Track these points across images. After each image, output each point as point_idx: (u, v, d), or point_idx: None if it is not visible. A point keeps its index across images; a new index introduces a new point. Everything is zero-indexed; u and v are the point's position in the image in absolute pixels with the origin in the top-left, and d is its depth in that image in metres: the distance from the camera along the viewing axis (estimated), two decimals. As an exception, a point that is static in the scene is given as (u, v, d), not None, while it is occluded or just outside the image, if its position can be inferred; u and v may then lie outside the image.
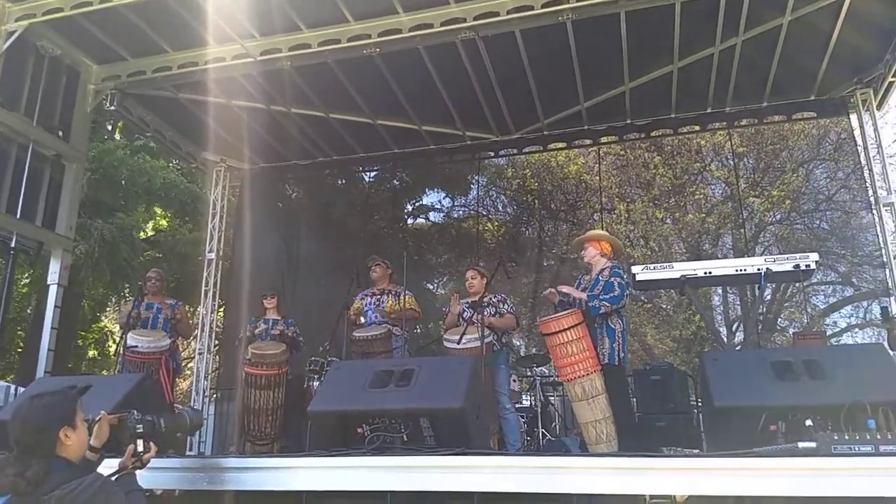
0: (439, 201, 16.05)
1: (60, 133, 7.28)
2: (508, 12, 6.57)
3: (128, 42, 7.34)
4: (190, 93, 8.10)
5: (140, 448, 2.57)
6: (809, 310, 14.71)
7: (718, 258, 14.39)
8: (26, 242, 6.90)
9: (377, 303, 6.45)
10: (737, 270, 4.78)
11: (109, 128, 13.16)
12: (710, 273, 4.83)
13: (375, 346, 5.98)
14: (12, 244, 6.69)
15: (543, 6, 6.46)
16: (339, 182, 13.15)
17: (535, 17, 6.58)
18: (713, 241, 15.09)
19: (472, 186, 15.00)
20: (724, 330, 15.59)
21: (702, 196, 14.67)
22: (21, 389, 7.46)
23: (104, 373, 14.74)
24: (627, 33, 6.99)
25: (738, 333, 16.12)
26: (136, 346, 5.83)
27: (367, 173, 13.28)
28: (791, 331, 14.41)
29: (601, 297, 4.86)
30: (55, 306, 6.98)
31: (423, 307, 6.93)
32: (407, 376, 3.79)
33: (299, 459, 3.68)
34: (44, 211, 7.08)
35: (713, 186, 15.01)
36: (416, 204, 15.70)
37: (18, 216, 6.75)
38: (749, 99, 8.33)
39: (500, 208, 16.50)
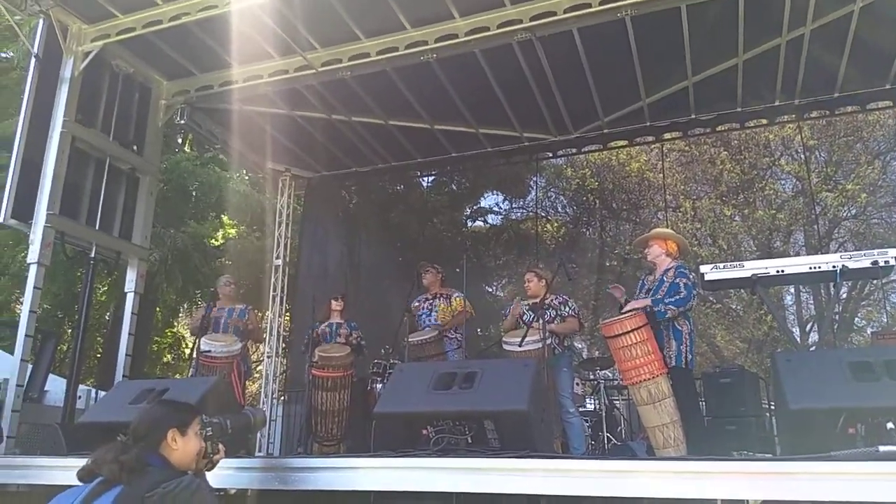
0: (497, 204, 16.05)
1: (135, 147, 7.61)
2: (565, 11, 6.49)
3: (196, 58, 7.62)
4: (255, 105, 8.36)
5: (209, 450, 2.66)
6: (889, 308, 13.97)
7: (790, 256, 13.86)
8: (105, 253, 7.24)
9: (430, 308, 6.56)
10: (810, 268, 4.57)
11: (179, 140, 13.73)
12: (782, 271, 4.64)
13: (427, 350, 6.05)
14: (92, 254, 7.04)
15: (601, 3, 6.37)
16: (398, 188, 13.31)
17: (592, 15, 6.50)
18: (784, 238, 14.54)
19: (530, 188, 14.93)
20: (797, 330, 14.99)
21: (772, 192, 14.15)
22: (101, 393, 7.85)
23: (177, 377, 15.36)
24: (689, 27, 6.82)
25: (811, 334, 15.50)
26: (209, 351, 6.04)
27: (426, 178, 13.42)
28: (869, 330, 13.75)
29: (666, 300, 4.74)
30: (132, 313, 7.29)
31: (480, 309, 6.96)
32: (470, 378, 3.81)
33: (367, 460, 3.74)
34: (120, 222, 7.39)
35: (783, 181, 14.48)
36: (475, 207, 15.73)
37: (97, 228, 7.08)
38: (819, 90, 8.00)
39: (560, 209, 16.37)
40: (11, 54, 11.03)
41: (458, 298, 6.40)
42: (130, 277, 7.47)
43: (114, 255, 7.36)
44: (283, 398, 9.38)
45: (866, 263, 4.51)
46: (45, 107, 6.74)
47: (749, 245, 14.80)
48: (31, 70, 6.86)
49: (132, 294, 7.41)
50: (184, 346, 16.73)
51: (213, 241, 13.57)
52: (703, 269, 4.84)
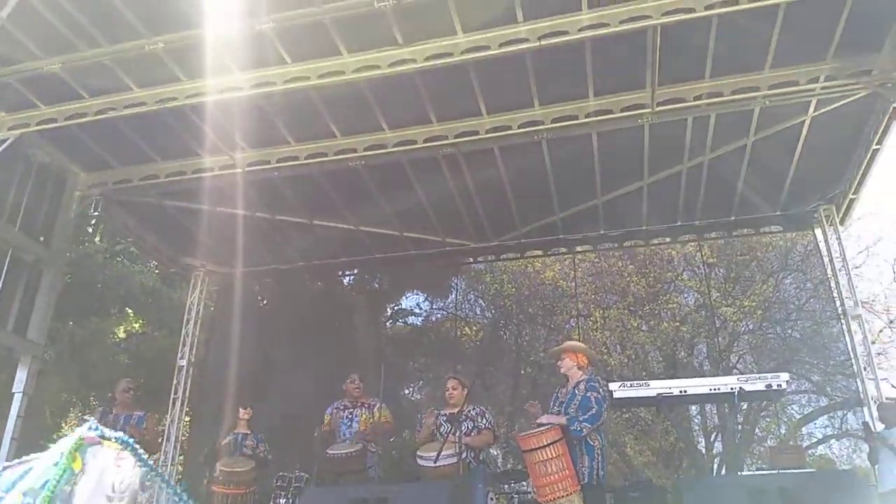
0: (418, 304, 16.14)
1: (42, 238, 7.32)
2: (487, 132, 6.92)
3: (117, 151, 7.53)
4: (175, 200, 8.24)
5: None
6: (785, 419, 14.66)
7: (694, 366, 14.46)
8: (-3, 350, 6.75)
9: (350, 417, 6.29)
10: (710, 389, 4.86)
11: (90, 230, 13.19)
12: (685, 392, 4.91)
13: (350, 465, 5.72)
14: (-20, 351, 6.54)
15: (520, 127, 6.84)
16: (318, 284, 13.18)
17: (511, 137, 6.95)
18: (688, 349, 15.18)
19: (451, 289, 15.12)
20: (702, 441, 15.40)
21: (675, 304, 14.90)
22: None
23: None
24: (599, 151, 7.36)
25: (716, 443, 15.96)
26: (101, 462, 5.58)
27: (347, 276, 13.38)
28: (769, 441, 14.30)
29: (580, 417, 4.82)
30: (17, 416, 6.73)
31: (397, 415, 6.80)
32: (382, 505, 3.67)
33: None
34: (16, 316, 6.96)
35: (686, 295, 15.31)
36: (396, 308, 15.75)
37: (-10, 322, 6.63)
38: (717, 212, 8.65)
39: (479, 312, 16.61)
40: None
41: (381, 409, 6.21)
42: (20, 377, 6.95)
43: (5, 352, 6.85)
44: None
45: (761, 387, 4.82)
46: (-51, 194, 6.44)
47: (655, 355, 15.36)
48: (-63, 155, 6.56)
49: (20, 394, 6.86)
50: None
51: (115, 336, 12.82)
52: (612, 386, 5.01)
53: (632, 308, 14.82)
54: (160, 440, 8.53)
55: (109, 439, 2.13)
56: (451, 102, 6.81)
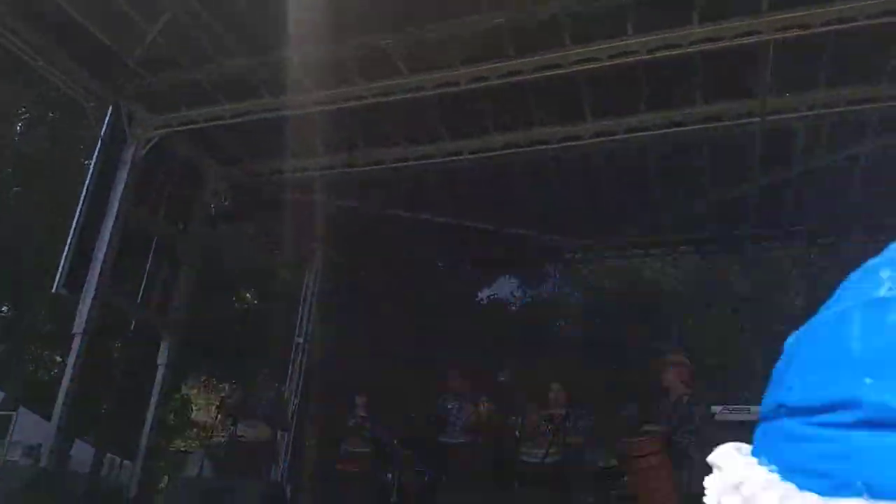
0: (511, 293, 16.24)
1: (181, 226, 8.05)
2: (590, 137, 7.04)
3: (249, 148, 8.15)
4: (297, 190, 8.83)
5: None
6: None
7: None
8: (141, 325, 7.55)
9: (458, 410, 6.61)
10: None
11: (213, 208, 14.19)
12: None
13: (460, 455, 6.27)
14: (131, 327, 7.35)
15: (626, 132, 6.91)
16: (417, 274, 13.61)
17: (615, 143, 7.04)
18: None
19: (546, 279, 15.10)
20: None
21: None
22: (126, 462, 7.94)
23: (178, 441, 15.42)
24: (709, 152, 7.35)
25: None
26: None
27: (442, 266, 13.70)
28: None
29: (682, 429, 4.93)
30: (161, 389, 7.50)
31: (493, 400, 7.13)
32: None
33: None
34: (160, 296, 7.69)
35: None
36: (491, 296, 15.96)
37: (138, 301, 7.42)
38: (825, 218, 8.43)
39: (572, 303, 16.50)
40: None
41: (486, 404, 6.52)
42: (163, 351, 7.72)
43: (150, 328, 7.66)
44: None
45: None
46: (105, 186, 7.15)
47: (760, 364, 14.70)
48: (96, 151, 7.35)
49: (163, 367, 7.62)
50: (193, 407, 16.84)
51: (237, 312, 13.83)
52: (713, 409, 4.91)
53: (735, 309, 14.35)
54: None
55: None
56: (554, 109, 6.98)
